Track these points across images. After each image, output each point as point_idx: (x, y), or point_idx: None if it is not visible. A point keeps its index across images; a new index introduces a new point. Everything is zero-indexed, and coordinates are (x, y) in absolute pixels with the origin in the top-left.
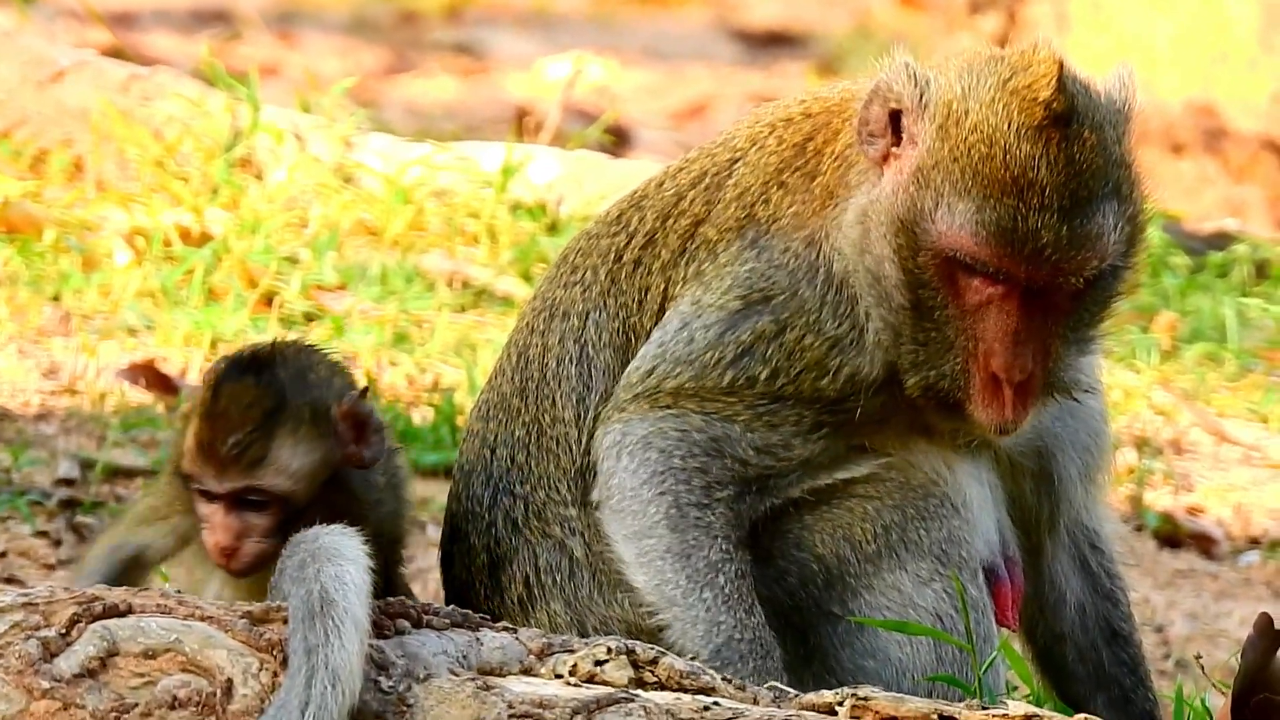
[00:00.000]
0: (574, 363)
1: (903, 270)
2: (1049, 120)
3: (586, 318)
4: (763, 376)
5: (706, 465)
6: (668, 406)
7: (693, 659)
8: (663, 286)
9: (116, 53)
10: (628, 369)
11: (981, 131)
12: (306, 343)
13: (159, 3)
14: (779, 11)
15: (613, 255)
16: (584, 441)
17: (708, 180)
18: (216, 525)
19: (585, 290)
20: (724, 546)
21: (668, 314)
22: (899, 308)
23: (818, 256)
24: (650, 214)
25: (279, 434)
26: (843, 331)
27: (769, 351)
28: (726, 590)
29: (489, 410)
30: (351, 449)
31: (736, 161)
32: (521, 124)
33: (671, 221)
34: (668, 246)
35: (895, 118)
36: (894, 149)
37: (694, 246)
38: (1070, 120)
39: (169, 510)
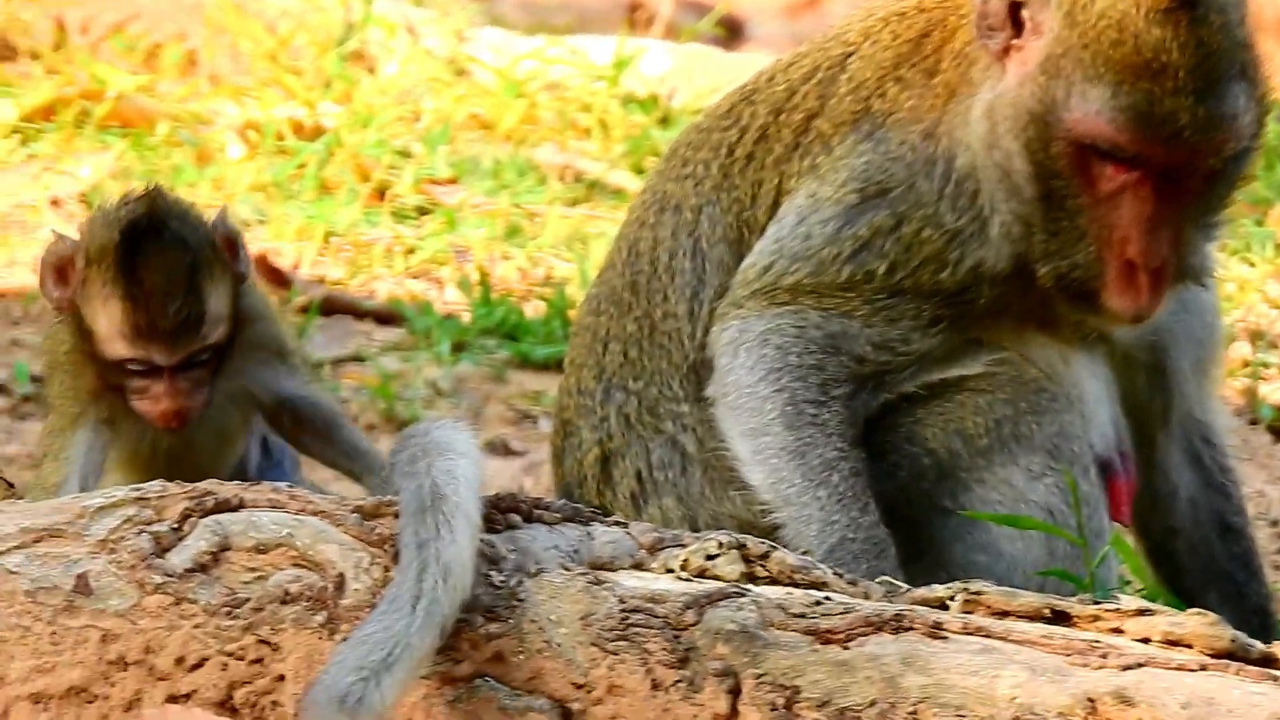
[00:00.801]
0: (687, 257)
1: (1034, 163)
2: (1176, 3)
3: (700, 212)
4: (881, 271)
5: (823, 362)
6: (785, 303)
7: (804, 554)
8: (776, 180)
9: None
10: (744, 265)
11: (1110, 17)
12: (149, 186)
13: None
14: None
15: (724, 150)
16: (698, 336)
17: (820, 75)
18: (163, 394)
19: (697, 184)
20: (839, 444)
21: (783, 208)
22: (1031, 200)
23: (936, 150)
24: (762, 108)
25: (205, 287)
26: (962, 224)
27: (886, 245)
28: (840, 489)
29: (599, 305)
30: (235, 270)
31: (850, 56)
32: (634, 17)
33: (784, 116)
34: (780, 141)
35: (1015, 9)
36: (1015, 41)
37: (808, 140)
38: (1196, 3)
39: (84, 407)
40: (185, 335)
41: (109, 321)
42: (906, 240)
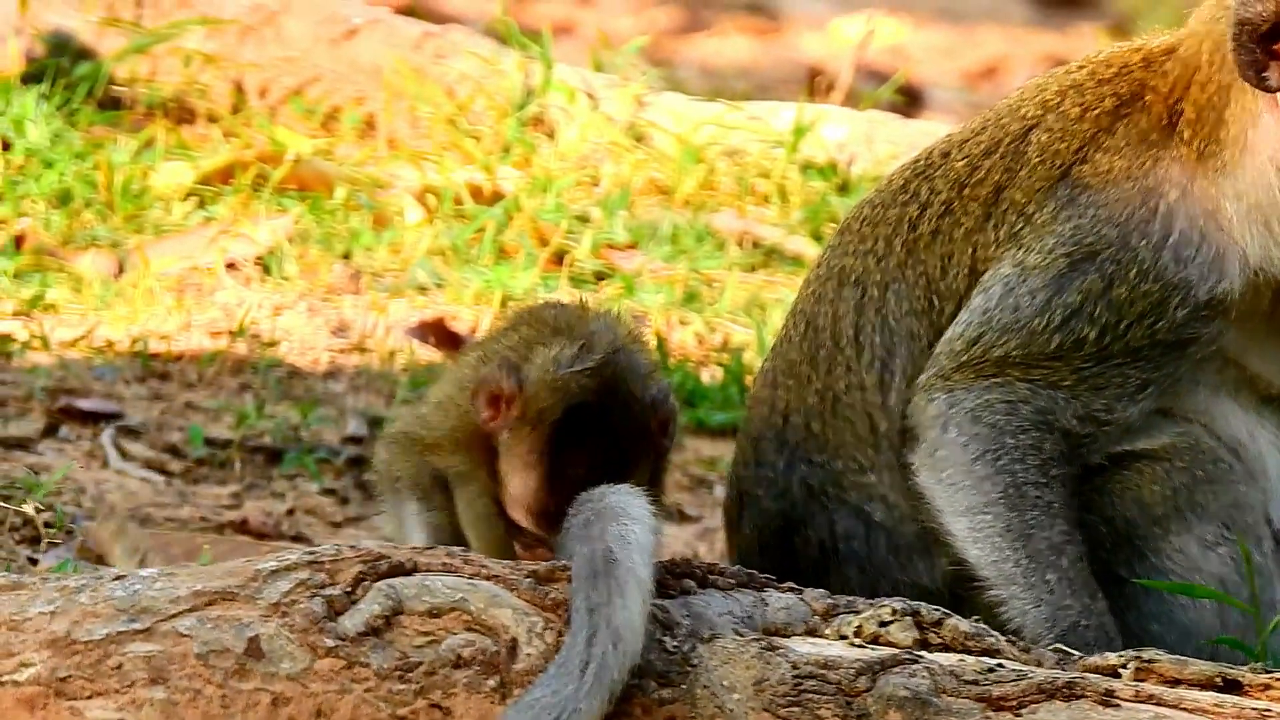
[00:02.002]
0: (876, 331)
1: None
2: None
3: (886, 288)
4: (1091, 337)
5: (1039, 441)
6: (993, 375)
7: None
8: (970, 251)
9: (409, 10)
10: (948, 336)
11: None
12: (625, 326)
13: None
14: None
15: (906, 225)
16: (891, 406)
17: (1003, 148)
18: (544, 553)
19: (880, 260)
20: (1064, 527)
21: (987, 279)
22: None
23: (1156, 206)
24: (942, 183)
25: (626, 477)
26: (1184, 273)
27: (1097, 310)
28: (1070, 574)
29: (776, 378)
30: (660, 445)
31: (1032, 129)
32: (813, 84)
33: (969, 190)
34: (969, 214)
35: (1266, 41)
36: None
37: (1000, 210)
38: None
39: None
40: None
41: (522, 490)
42: (1118, 302)
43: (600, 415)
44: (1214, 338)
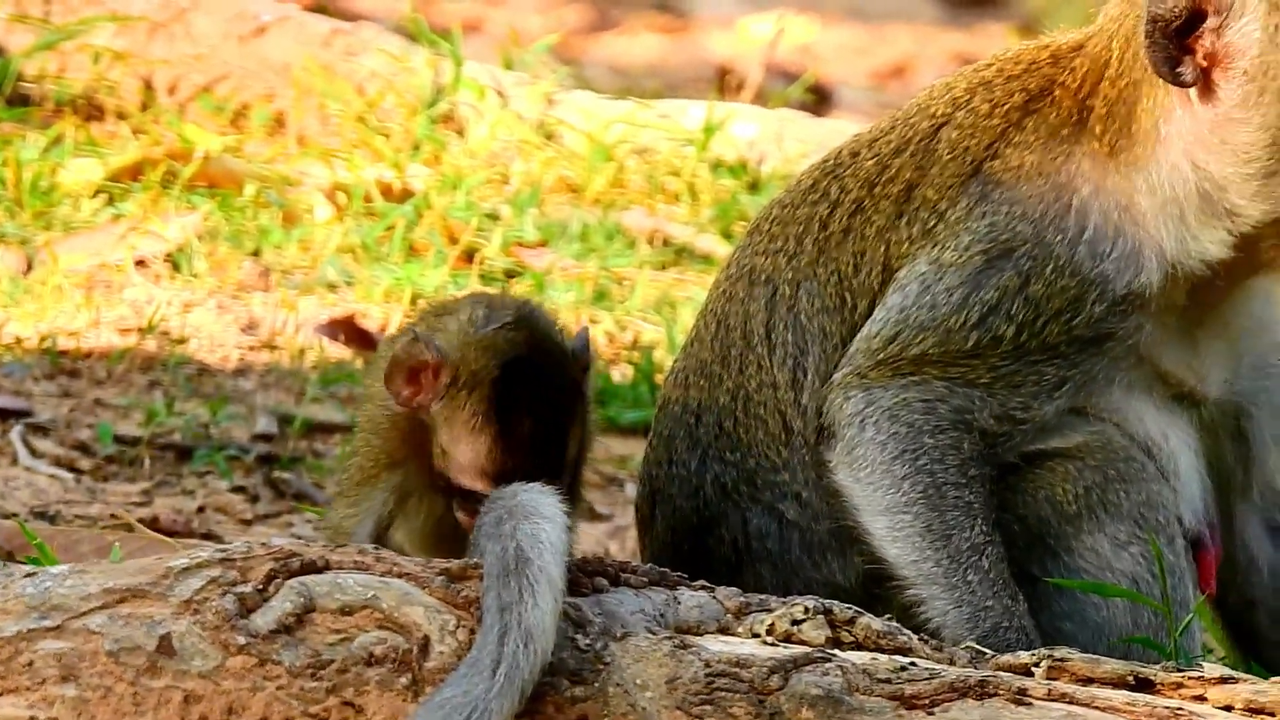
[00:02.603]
0: (788, 329)
1: None
2: None
3: (798, 287)
4: (1008, 334)
5: (958, 441)
6: (911, 374)
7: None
8: (883, 249)
9: (319, 8)
10: (865, 333)
11: None
12: (522, 304)
13: None
14: None
15: (817, 224)
16: (802, 405)
17: (913, 147)
18: None
19: (791, 259)
20: (983, 527)
21: (903, 276)
22: None
23: (1069, 201)
24: (852, 182)
25: (569, 433)
26: (1100, 267)
27: (1014, 307)
28: (991, 574)
29: (688, 378)
30: (586, 397)
31: (941, 126)
32: (723, 82)
33: (880, 188)
34: (880, 212)
35: (1179, 35)
36: (1200, 59)
37: (913, 208)
38: None
39: (385, 474)
40: (541, 480)
41: (472, 454)
42: (1035, 298)
43: (535, 367)
44: (1130, 333)
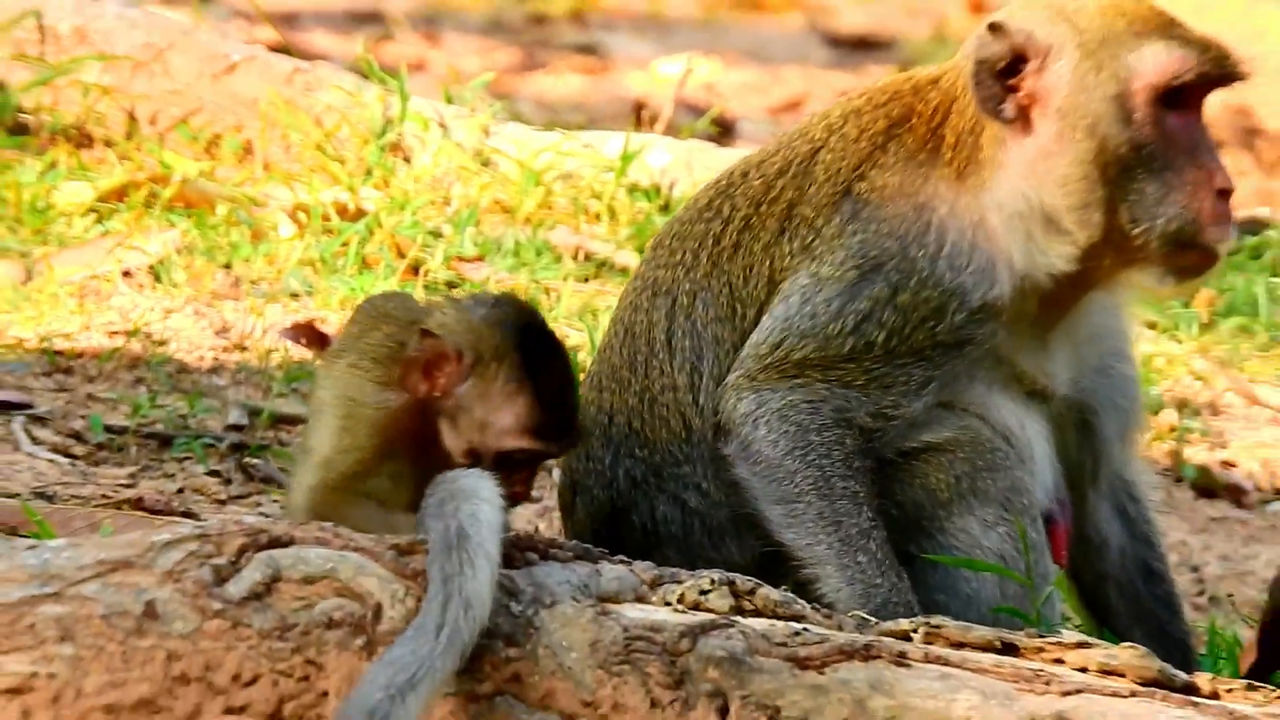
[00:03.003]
0: (685, 336)
1: (1120, 145)
2: None
3: (694, 296)
4: (879, 340)
5: (841, 437)
6: (795, 377)
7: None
8: (768, 263)
9: (282, 49)
10: (753, 340)
11: (1109, 12)
12: (504, 293)
13: (319, 5)
14: (866, 19)
15: (711, 239)
16: (700, 405)
17: (794, 169)
18: (523, 480)
19: (689, 271)
20: (869, 514)
21: (786, 287)
22: (1121, 184)
23: (930, 219)
24: (741, 201)
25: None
26: (959, 280)
27: (884, 316)
28: (878, 556)
29: (601, 381)
30: None
31: (819, 150)
32: (639, 116)
33: (765, 207)
34: (766, 229)
35: (1003, 76)
36: (1022, 98)
37: (793, 225)
38: None
39: (377, 470)
40: (576, 430)
41: (514, 417)
42: (903, 307)
43: (539, 331)
44: (988, 338)
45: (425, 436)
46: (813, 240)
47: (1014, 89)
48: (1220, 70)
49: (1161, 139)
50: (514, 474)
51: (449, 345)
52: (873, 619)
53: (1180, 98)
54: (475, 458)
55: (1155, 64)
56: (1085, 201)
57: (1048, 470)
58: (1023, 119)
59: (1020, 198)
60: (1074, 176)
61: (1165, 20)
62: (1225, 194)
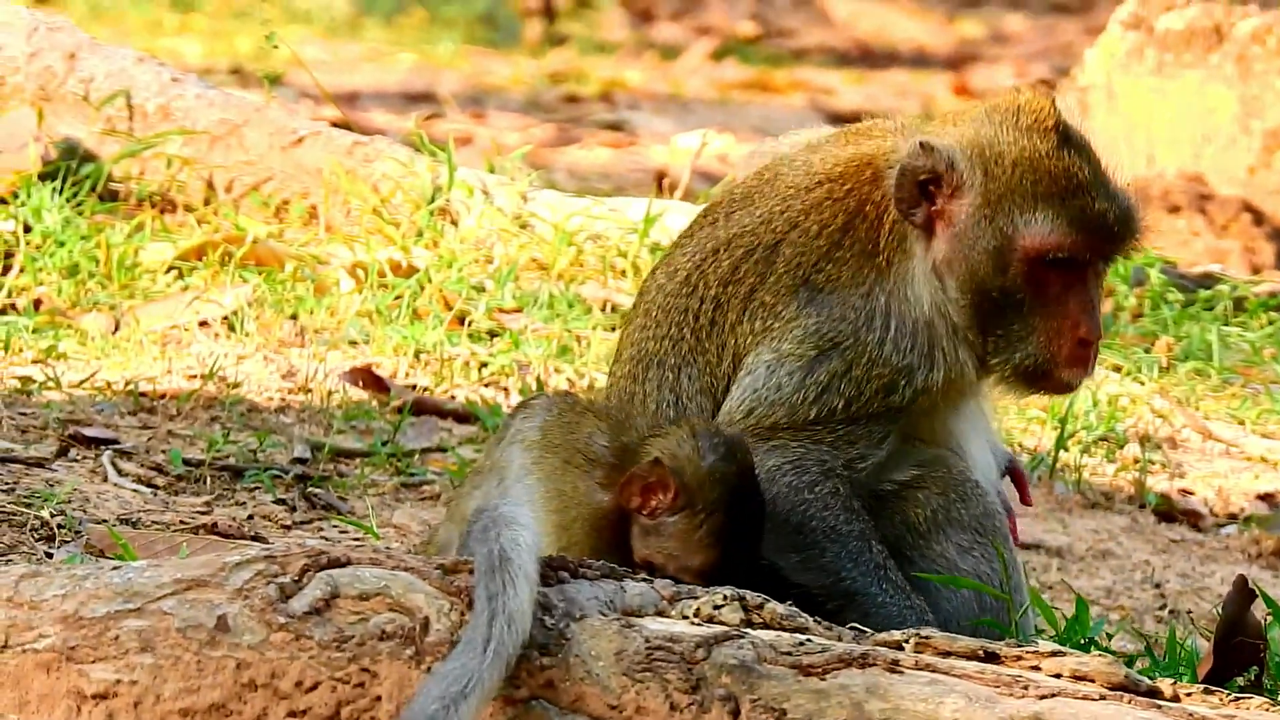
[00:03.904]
0: (670, 408)
1: (991, 288)
2: (1063, 138)
3: (679, 371)
4: (840, 407)
5: (834, 487)
6: (769, 439)
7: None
8: (734, 341)
9: (344, 125)
10: (726, 408)
11: (1022, 163)
12: (732, 438)
13: (378, 86)
14: (861, 99)
15: (691, 315)
16: None
17: (758, 255)
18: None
19: (675, 345)
20: (878, 547)
21: (751, 361)
22: (986, 317)
23: (875, 307)
24: (713, 279)
25: None
26: (909, 360)
27: (842, 386)
28: (898, 583)
29: None
30: None
31: (780, 242)
32: (660, 184)
33: (731, 288)
34: (732, 309)
35: (923, 186)
36: (933, 208)
37: (753, 307)
38: (1072, 135)
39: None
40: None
41: (700, 562)
42: (857, 380)
43: (748, 496)
44: (935, 398)
45: (625, 532)
46: (771, 322)
47: (931, 200)
48: (1100, 252)
49: (1032, 292)
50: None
51: (674, 480)
52: (868, 630)
53: (1059, 262)
54: (650, 568)
55: (1036, 233)
56: (965, 321)
57: (991, 472)
58: (929, 228)
59: (926, 298)
60: (963, 294)
61: (1071, 185)
62: (1086, 343)
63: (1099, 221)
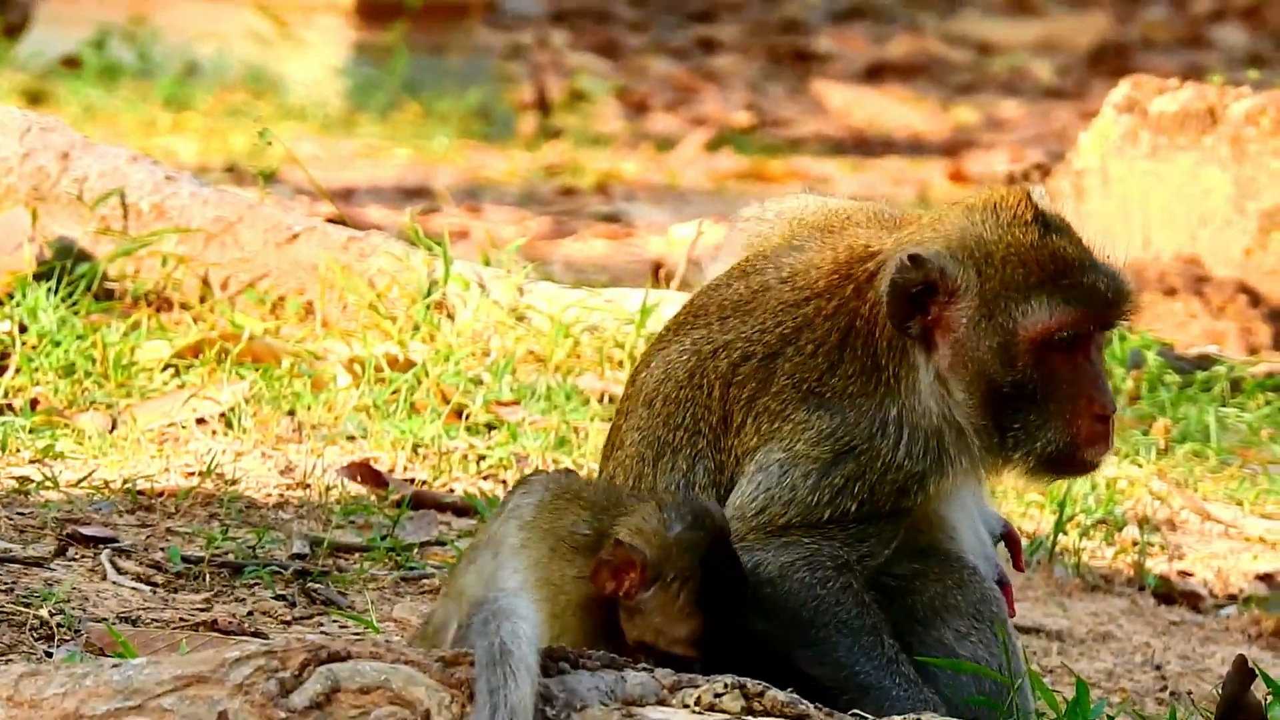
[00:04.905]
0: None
1: (1003, 383)
2: (1044, 227)
3: (695, 462)
4: (853, 509)
5: (847, 582)
6: (781, 537)
7: None
8: (738, 441)
9: (339, 220)
10: (737, 504)
11: (1011, 259)
12: (714, 515)
13: (372, 182)
14: (858, 185)
15: (704, 409)
16: None
17: (755, 362)
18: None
19: (690, 437)
20: (890, 640)
21: (764, 458)
22: (1004, 411)
23: (888, 416)
24: (716, 381)
25: None
26: (922, 466)
27: (856, 489)
28: (910, 675)
29: None
30: None
31: (775, 356)
32: (656, 274)
33: (734, 390)
34: (736, 411)
35: (915, 299)
36: (927, 318)
37: (758, 411)
38: (1051, 221)
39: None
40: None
41: (687, 631)
42: (871, 483)
43: (720, 558)
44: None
45: (615, 617)
46: (780, 425)
47: (925, 310)
48: (1100, 322)
49: (1043, 378)
50: (678, 668)
51: (637, 557)
52: (869, 716)
53: (1063, 342)
54: (645, 650)
55: (1037, 319)
56: (978, 422)
57: (981, 548)
58: (928, 338)
59: (934, 408)
60: (964, 399)
61: (1060, 267)
62: (1104, 418)
63: (1093, 293)
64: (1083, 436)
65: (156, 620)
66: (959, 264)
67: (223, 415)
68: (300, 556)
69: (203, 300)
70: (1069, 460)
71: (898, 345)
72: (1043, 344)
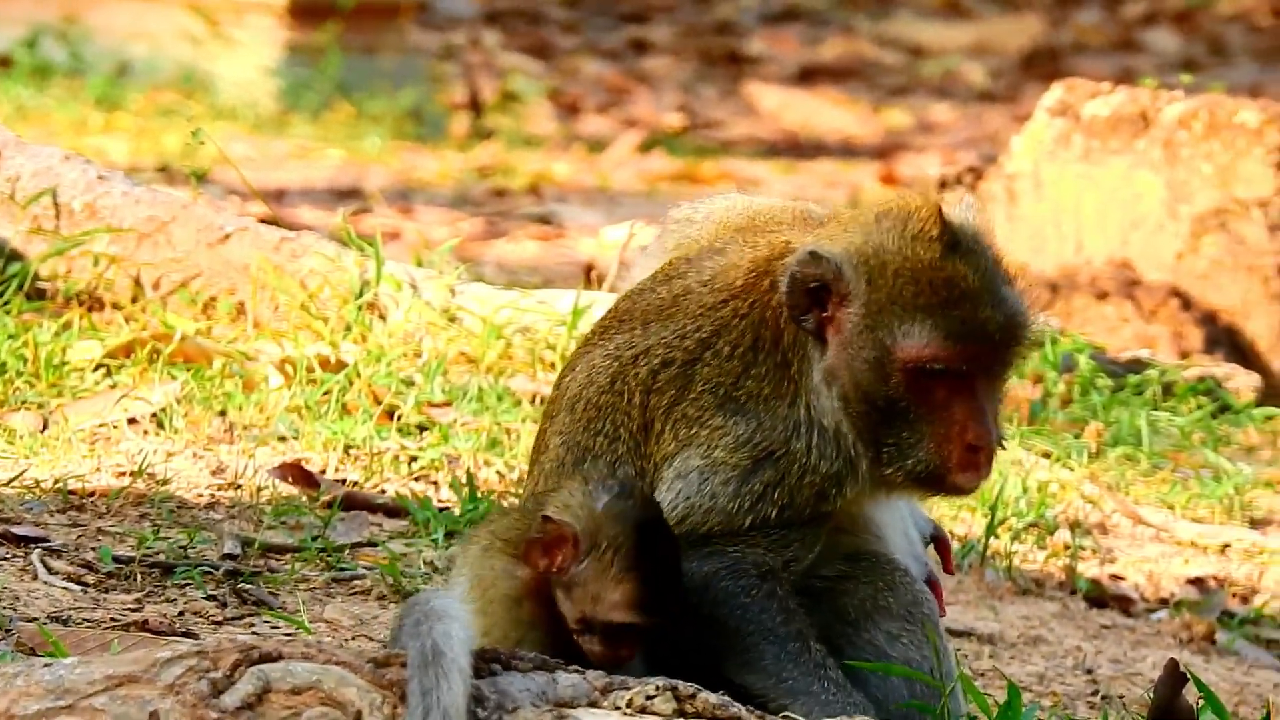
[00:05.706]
0: None
1: (877, 396)
2: (949, 246)
3: (616, 468)
4: (773, 515)
5: (771, 589)
6: (704, 547)
7: None
8: (658, 448)
9: (271, 220)
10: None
11: (905, 273)
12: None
13: (305, 183)
14: (790, 188)
15: (624, 416)
16: None
17: (675, 370)
18: (623, 646)
19: (611, 443)
20: (817, 645)
21: (682, 465)
22: (877, 425)
23: (799, 417)
24: (634, 385)
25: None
26: (837, 467)
27: (776, 494)
28: (838, 680)
29: None
30: None
31: (694, 361)
32: (588, 276)
33: (655, 398)
34: (656, 419)
35: (813, 293)
36: (824, 314)
37: (676, 420)
38: (960, 241)
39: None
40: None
41: (624, 595)
42: (791, 488)
43: (651, 521)
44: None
45: (555, 615)
46: (698, 430)
47: (823, 306)
48: (979, 362)
49: (916, 399)
50: (620, 642)
51: (568, 531)
52: (798, 718)
53: (937, 372)
54: (587, 625)
55: (913, 344)
56: (855, 429)
57: (906, 545)
58: (821, 335)
59: (828, 406)
60: (842, 407)
61: (953, 295)
62: (976, 449)
63: (979, 332)
64: (954, 462)
65: (88, 620)
66: (854, 269)
67: (154, 415)
68: (232, 557)
69: (135, 300)
70: (939, 483)
71: (801, 340)
72: (916, 370)
